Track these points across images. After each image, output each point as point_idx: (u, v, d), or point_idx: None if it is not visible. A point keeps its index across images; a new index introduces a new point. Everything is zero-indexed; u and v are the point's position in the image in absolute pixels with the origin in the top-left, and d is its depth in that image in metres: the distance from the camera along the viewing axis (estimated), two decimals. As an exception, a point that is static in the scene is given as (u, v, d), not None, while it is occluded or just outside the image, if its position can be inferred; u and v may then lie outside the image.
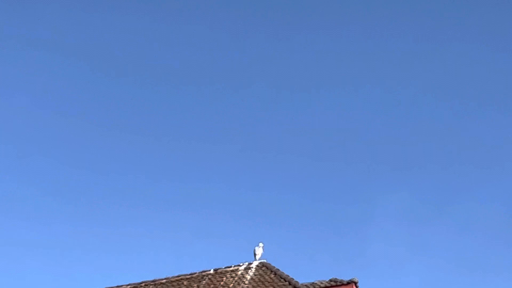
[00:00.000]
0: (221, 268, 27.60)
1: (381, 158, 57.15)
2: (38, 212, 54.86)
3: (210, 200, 54.67)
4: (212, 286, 26.67)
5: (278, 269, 26.55)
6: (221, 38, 61.64)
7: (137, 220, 53.74)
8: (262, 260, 27.31)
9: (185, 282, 27.45)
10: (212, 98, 60.09)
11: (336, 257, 50.10)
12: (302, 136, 58.78)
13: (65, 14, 61.56)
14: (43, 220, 54.16)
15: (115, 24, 62.32)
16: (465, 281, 50.57)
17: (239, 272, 26.97)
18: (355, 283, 24.63)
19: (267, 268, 26.81)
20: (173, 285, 27.43)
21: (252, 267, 27.03)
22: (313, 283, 25.29)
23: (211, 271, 27.61)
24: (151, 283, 28.01)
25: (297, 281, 25.52)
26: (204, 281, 27.11)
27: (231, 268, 27.43)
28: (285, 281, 25.72)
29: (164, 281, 27.93)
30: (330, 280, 25.03)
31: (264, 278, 26.27)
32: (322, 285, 24.95)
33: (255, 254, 27.42)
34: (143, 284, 28.11)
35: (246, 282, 26.24)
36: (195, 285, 27.00)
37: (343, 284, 24.73)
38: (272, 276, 26.28)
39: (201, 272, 27.79)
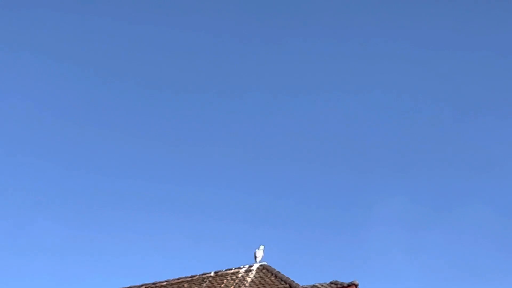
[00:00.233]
0: (222, 271, 27.62)
1: (380, 162, 57.25)
2: (36, 214, 54.82)
3: (210, 202, 54.72)
4: (212, 288, 26.81)
5: (278, 272, 26.57)
6: (221, 41, 61.74)
7: (137, 223, 53.76)
8: (262, 263, 27.33)
9: (185, 285, 27.47)
10: (212, 100, 60.17)
11: (336, 259, 50.19)
12: (302, 140, 58.86)
13: (64, 16, 61.63)
14: (41, 222, 54.08)
15: (113, 27, 62.38)
16: (463, 284, 50.60)
17: (240, 275, 26.99)
18: (356, 286, 24.66)
19: (267, 270, 26.83)
20: (173, 288, 27.54)
21: (253, 270, 27.05)
22: (313, 285, 25.34)
23: (212, 274, 27.63)
24: (152, 286, 28.04)
25: (297, 284, 25.56)
26: (204, 284, 27.13)
27: (231, 271, 27.43)
28: (286, 283, 25.74)
29: (165, 283, 27.95)
30: (331, 283, 25.07)
31: (265, 280, 26.29)
32: (322, 288, 25.01)
33: (255, 257, 27.43)
34: (143, 287, 28.15)
35: (247, 284, 26.26)
36: (196, 287, 27.03)
37: (343, 287, 24.76)
38: (272, 278, 26.30)
39: (202, 274, 27.80)
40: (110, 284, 48.27)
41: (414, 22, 61.31)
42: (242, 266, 27.50)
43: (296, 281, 25.79)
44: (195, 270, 28.96)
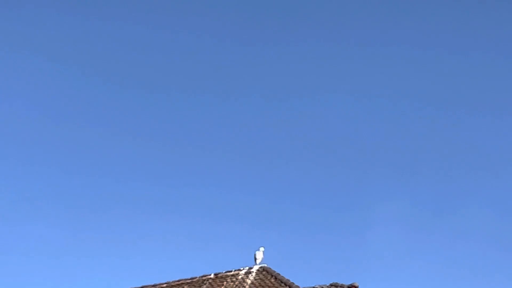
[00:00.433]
0: (222, 273, 27.62)
1: (380, 164, 57.19)
2: (35, 216, 54.75)
3: (210, 204, 54.64)
4: (212, 290, 26.79)
5: (278, 274, 26.56)
6: (221, 43, 61.69)
7: (137, 224, 53.68)
8: (262, 265, 27.32)
9: (185, 287, 27.46)
10: (211, 102, 60.13)
11: (336, 261, 50.09)
12: (302, 142, 58.85)
13: (63, 17, 61.61)
14: (40, 224, 54.01)
15: (112, 28, 62.34)
16: (464, 286, 50.59)
17: (240, 277, 26.98)
18: (356, 288, 24.67)
19: (267, 272, 26.82)
20: (173, 290, 27.53)
21: (253, 272, 27.04)
22: (313, 287, 25.31)
23: (212, 276, 27.63)
24: (152, 288, 28.09)
25: (297, 286, 25.55)
26: (204, 286, 27.13)
27: (231, 273, 27.44)
28: (286, 285, 25.73)
29: (164, 285, 27.94)
30: (331, 285, 25.04)
31: (265, 282, 26.28)
32: (322, 290, 24.99)
33: (255, 259, 27.43)
34: (143, 289, 28.18)
35: (247, 286, 26.25)
36: (196, 289, 27.11)
37: (343, 289, 24.77)
38: (272, 280, 26.30)
39: (202, 276, 27.79)
40: (109, 286, 48.36)
41: (414, 24, 61.31)
42: (242, 268, 27.49)
43: (296, 283, 25.78)
44: (195, 272, 28.95)
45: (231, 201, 55.21)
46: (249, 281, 26.54)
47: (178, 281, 28.00)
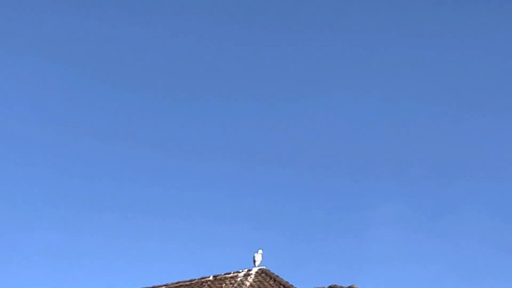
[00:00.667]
0: (221, 275, 27.59)
1: (378, 166, 57.19)
2: (33, 217, 54.70)
3: (209, 206, 54.62)
4: (211, 292, 26.78)
5: (277, 276, 26.54)
6: (221, 44, 61.65)
7: (135, 226, 53.63)
8: (261, 267, 27.29)
9: (184, 289, 27.52)
10: (210, 103, 60.10)
11: (335, 263, 50.10)
12: (300, 143, 58.81)
13: (62, 18, 61.57)
14: (38, 225, 53.99)
15: (112, 29, 62.32)
16: (462, 288, 50.56)
17: (239, 279, 26.96)
18: (355, 290, 24.66)
19: (266, 274, 26.81)
20: (172, 292, 27.51)
21: (252, 274, 27.02)
22: (312, 289, 25.32)
23: (211, 278, 27.60)
24: (151, 290, 28.06)
25: (296, 288, 25.59)
26: (203, 288, 27.18)
27: (230, 275, 27.41)
28: (285, 287, 25.74)
29: (163, 287, 27.93)
30: (330, 287, 25.02)
31: (264, 284, 26.26)
32: (321, 292, 24.97)
33: (254, 261, 27.40)
34: (142, 291, 28.14)
35: (246, 288, 26.31)
36: (195, 291, 27.09)
37: (342, 291, 24.76)
38: (271, 282, 26.28)
39: (201, 278, 27.77)
40: (108, 288, 48.30)
41: (413, 25, 61.31)
42: (241, 270, 27.47)
43: (295, 285, 25.78)
44: (194, 274, 28.96)
45: (230, 203, 55.23)
46: (248, 283, 26.52)
47: (177, 283, 27.96)
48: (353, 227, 54.10)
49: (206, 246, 50.89)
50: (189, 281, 27.88)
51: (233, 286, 26.65)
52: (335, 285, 24.97)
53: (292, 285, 25.74)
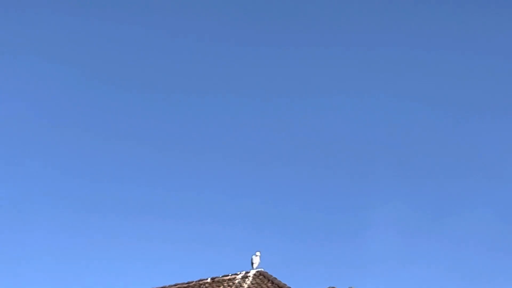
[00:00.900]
0: (219, 277, 27.58)
1: (378, 166, 57.07)
2: (31, 218, 54.63)
3: (206, 208, 54.55)
4: (209, 294, 26.74)
5: (275, 278, 26.53)
6: (221, 43, 61.59)
7: (133, 228, 53.51)
8: (259, 269, 27.27)
9: (182, 291, 27.50)
10: (209, 103, 60.04)
11: (333, 265, 50.02)
12: (299, 144, 58.72)
13: (62, 17, 61.53)
14: (36, 226, 53.91)
15: (112, 28, 62.26)
16: (463, 290, 50.49)
17: (236, 281, 26.94)
18: (353, 292, 24.62)
19: (264, 277, 26.78)
20: (170, 294, 27.48)
21: (250, 276, 27.00)
22: (310, 291, 25.30)
23: (208, 280, 27.59)
24: (148, 292, 28.03)
25: (294, 290, 25.55)
26: (201, 290, 27.16)
27: (228, 277, 27.40)
28: (283, 290, 25.77)
29: (161, 289, 27.95)
30: (328, 289, 25.03)
31: (262, 287, 26.24)
32: (319, 294, 24.94)
33: (252, 263, 27.38)
34: (140, 293, 28.13)
35: (244, 291, 26.27)
36: (192, 293, 27.06)
37: (341, 293, 24.73)
38: (269, 285, 26.27)
39: (198, 280, 27.77)
40: (106, 290, 48.23)
41: (414, 25, 61.23)
42: (239, 272, 27.45)
43: (293, 287, 25.75)
44: (192, 276, 28.90)
45: (228, 204, 55.14)
46: (246, 286, 26.49)
47: (175, 285, 27.96)
48: (353, 228, 54.06)
49: (204, 248, 50.86)
50: (187, 283, 27.88)
51: (231, 288, 26.66)
52: (334, 287, 24.92)
53: (290, 287, 25.72)
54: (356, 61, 60.96)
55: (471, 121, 58.74)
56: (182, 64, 61.88)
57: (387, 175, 56.32)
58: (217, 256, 48.13)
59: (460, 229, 53.73)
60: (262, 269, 27.27)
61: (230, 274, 27.51)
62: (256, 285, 26.41)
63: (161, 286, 28.02)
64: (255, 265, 27.37)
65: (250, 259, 27.49)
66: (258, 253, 27.47)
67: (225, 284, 27.01)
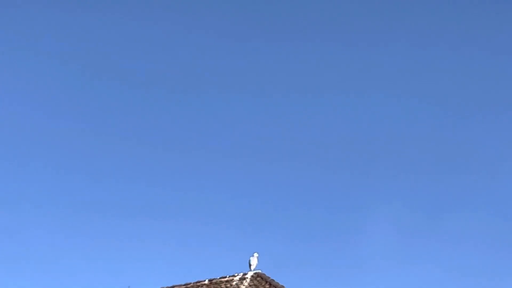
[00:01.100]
0: (216, 279, 27.54)
1: (374, 166, 57.06)
2: (30, 218, 54.58)
3: (204, 209, 54.44)
4: (207, 296, 26.71)
5: (273, 280, 26.48)
6: (221, 41, 61.41)
7: (130, 229, 53.39)
8: (257, 271, 27.22)
9: (179, 293, 27.45)
10: (208, 103, 59.96)
11: (331, 266, 49.97)
12: (295, 145, 58.63)
13: (62, 15, 61.38)
14: (35, 226, 53.84)
15: (112, 27, 62.09)
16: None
17: (234, 283, 26.90)
18: (351, 293, 24.58)
19: (262, 278, 26.74)
20: (167, 296, 27.41)
21: (247, 278, 26.95)
22: (308, 293, 25.24)
23: (206, 282, 27.54)
24: (146, 294, 27.97)
25: (292, 292, 25.50)
26: (198, 292, 27.10)
27: (226, 279, 27.35)
28: (280, 291, 25.72)
29: (158, 291, 27.90)
30: (326, 290, 24.99)
31: (259, 288, 26.25)
32: (317, 296, 24.89)
33: (250, 265, 27.34)
34: (137, 295, 28.07)
35: (241, 292, 26.22)
36: (190, 295, 27.02)
37: (338, 295, 24.68)
38: (267, 286, 26.22)
39: (196, 282, 27.72)
40: (102, 292, 48.10)
41: (414, 24, 61.13)
42: (236, 274, 27.41)
43: (290, 289, 25.73)
44: (189, 277, 28.85)
45: (225, 205, 55.02)
46: (243, 287, 26.45)
47: (172, 287, 27.91)
48: (350, 229, 53.95)
49: (202, 249, 50.77)
50: (184, 285, 27.85)
51: (228, 290, 26.61)
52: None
53: (287, 289, 25.70)
54: (354, 60, 60.95)
55: (467, 120, 58.72)
56: (181, 63, 61.72)
57: (384, 175, 56.30)
58: (215, 258, 48.12)
59: (458, 228, 53.71)
60: (260, 271, 27.21)
61: (227, 276, 27.47)
62: (253, 286, 26.37)
63: (159, 287, 27.99)
64: (252, 267, 27.33)
65: (248, 260, 27.45)
66: (255, 255, 27.43)
67: (222, 286, 26.97)
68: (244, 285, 26.52)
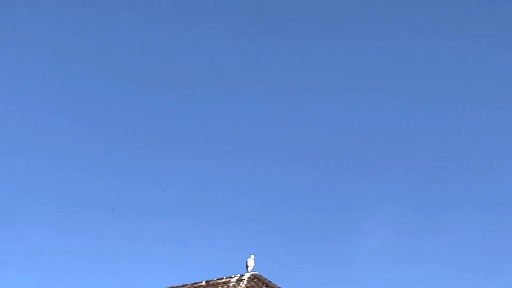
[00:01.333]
0: (213, 280, 27.53)
1: (371, 166, 57.03)
2: (29, 218, 54.49)
3: (201, 210, 54.36)
4: (203, 298, 26.66)
5: (270, 281, 26.45)
6: (221, 39, 61.33)
7: (126, 230, 53.31)
8: (254, 272, 27.20)
9: (176, 294, 27.40)
10: (207, 103, 59.90)
11: (328, 268, 49.95)
12: (292, 145, 58.56)
13: (64, 12, 61.29)
14: (34, 226, 53.78)
15: (115, 25, 61.97)
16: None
17: (231, 284, 26.88)
18: (348, 295, 24.55)
19: (259, 280, 26.72)
20: (164, 297, 27.36)
21: (244, 279, 26.92)
22: (305, 295, 25.20)
23: (203, 283, 27.52)
24: (142, 295, 27.94)
25: (289, 293, 25.45)
26: (195, 293, 27.06)
27: (223, 280, 27.34)
28: (277, 293, 25.68)
29: (155, 293, 27.87)
30: (323, 292, 24.95)
31: (256, 290, 26.21)
32: (314, 297, 24.86)
33: (247, 266, 27.32)
34: (134, 296, 28.02)
35: (238, 294, 26.18)
36: (187, 297, 26.98)
37: (335, 296, 24.65)
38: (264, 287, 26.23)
39: (193, 283, 27.69)
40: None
41: (414, 21, 61.03)
42: (233, 276, 27.38)
43: (287, 291, 25.69)
44: (186, 279, 28.80)
45: (223, 206, 54.96)
46: (240, 289, 26.46)
47: (169, 288, 27.89)
48: (347, 230, 53.89)
49: (199, 250, 50.70)
50: (181, 286, 27.85)
51: (225, 291, 26.57)
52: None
53: (285, 291, 25.65)
54: (352, 60, 60.90)
55: (464, 119, 58.69)
56: (181, 62, 61.60)
57: (382, 175, 56.27)
58: (212, 259, 48.07)
59: (457, 228, 53.67)
60: (257, 272, 27.19)
61: (224, 277, 27.45)
62: (250, 288, 26.36)
63: (155, 289, 27.99)
64: (249, 268, 27.30)
65: (245, 262, 27.42)
66: (252, 256, 27.41)
67: (219, 287, 26.93)
68: (241, 287, 26.50)
